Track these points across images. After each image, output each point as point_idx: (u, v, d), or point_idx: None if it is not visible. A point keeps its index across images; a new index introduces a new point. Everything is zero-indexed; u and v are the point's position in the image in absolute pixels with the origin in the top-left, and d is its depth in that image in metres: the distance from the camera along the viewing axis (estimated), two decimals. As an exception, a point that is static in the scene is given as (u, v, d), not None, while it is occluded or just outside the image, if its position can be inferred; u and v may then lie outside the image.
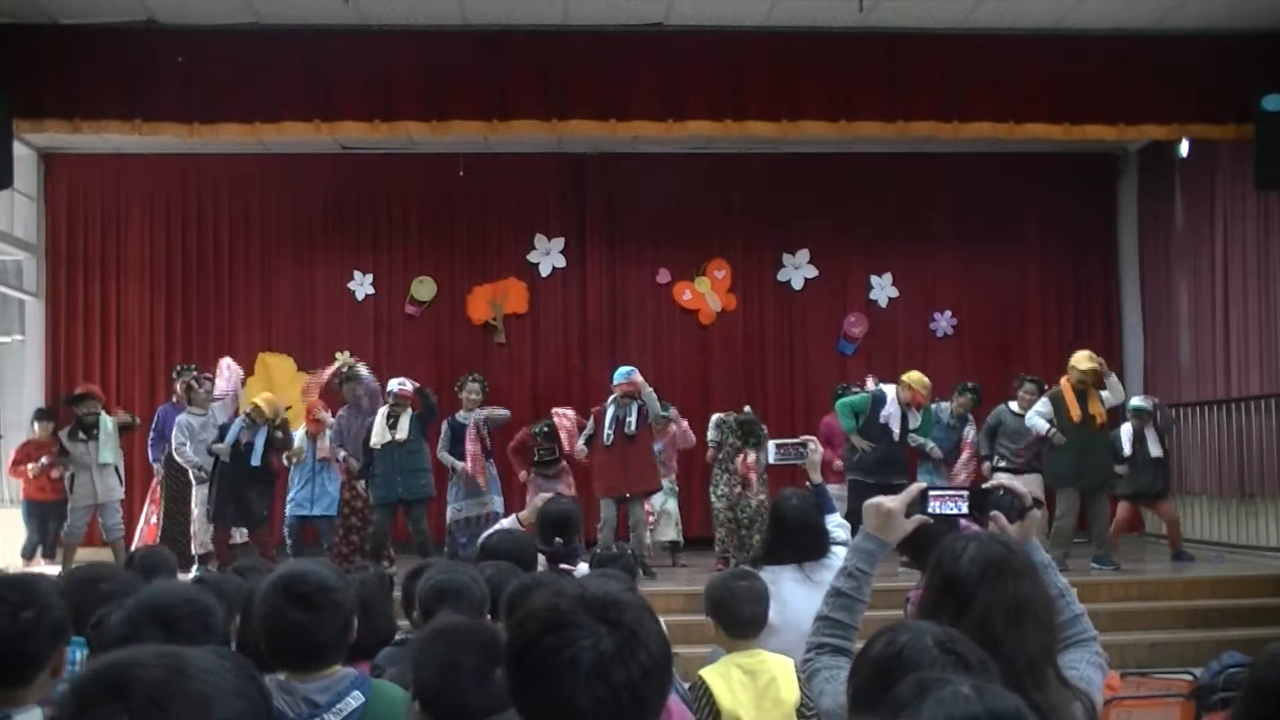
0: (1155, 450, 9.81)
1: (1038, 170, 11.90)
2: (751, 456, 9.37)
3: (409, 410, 9.49)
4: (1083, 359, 9.19)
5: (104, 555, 9.37)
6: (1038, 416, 9.22)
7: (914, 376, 9.47)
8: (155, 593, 2.62)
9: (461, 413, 9.99)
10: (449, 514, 9.83)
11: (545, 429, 9.88)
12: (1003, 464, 9.67)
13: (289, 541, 10.00)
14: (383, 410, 9.47)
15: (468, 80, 9.10)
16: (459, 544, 9.47)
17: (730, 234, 11.95)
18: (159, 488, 10.34)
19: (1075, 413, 9.04)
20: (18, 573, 3.22)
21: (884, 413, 9.23)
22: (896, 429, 9.23)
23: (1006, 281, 12.12)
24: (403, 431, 9.36)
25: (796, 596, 4.15)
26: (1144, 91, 9.36)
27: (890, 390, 9.40)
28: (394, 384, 9.57)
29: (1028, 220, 12.08)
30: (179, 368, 10.59)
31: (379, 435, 9.35)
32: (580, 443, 9.49)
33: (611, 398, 9.37)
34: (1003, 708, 1.45)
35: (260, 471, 9.48)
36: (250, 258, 11.80)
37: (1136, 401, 10.13)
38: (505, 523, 5.23)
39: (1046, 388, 9.59)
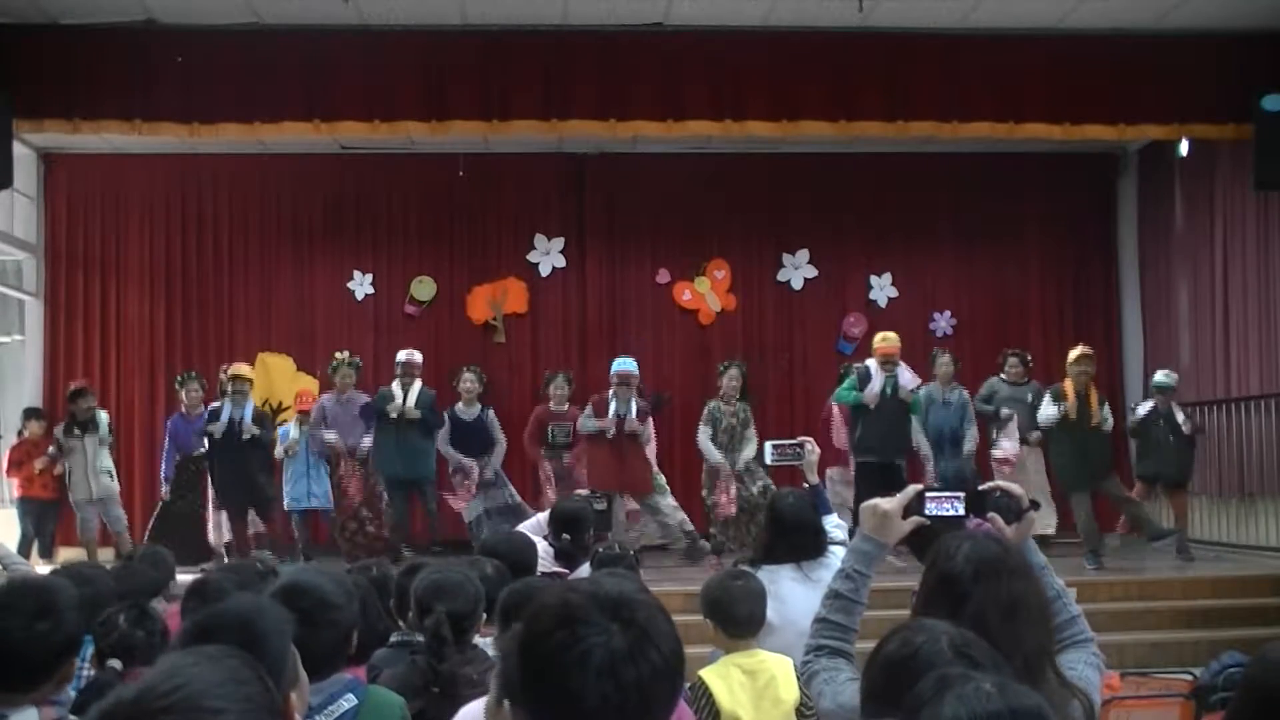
0: (1186, 427, 9.80)
1: (1038, 170, 11.88)
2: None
3: (418, 381, 9.58)
4: (1071, 355, 9.47)
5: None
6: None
7: (878, 336, 9.61)
8: (220, 611, 2.42)
9: (460, 405, 9.99)
10: (465, 514, 9.84)
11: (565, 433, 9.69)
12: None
13: (298, 536, 10.09)
14: (396, 383, 9.67)
15: (468, 80, 9.10)
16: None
17: (730, 234, 11.93)
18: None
19: (1074, 415, 9.22)
20: (40, 579, 3.18)
21: (871, 385, 9.29)
22: (878, 388, 9.25)
23: (1006, 281, 12.10)
24: (412, 399, 9.46)
25: (795, 595, 4.16)
26: (1144, 91, 9.35)
27: (872, 363, 9.49)
28: (402, 355, 9.79)
29: (1028, 220, 12.06)
30: (180, 376, 10.51)
31: (393, 404, 9.49)
32: (584, 419, 9.40)
33: (611, 389, 9.34)
34: (1025, 705, 1.45)
35: (257, 442, 9.53)
36: (250, 258, 11.78)
37: (1160, 377, 10.09)
38: (540, 519, 5.29)
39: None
